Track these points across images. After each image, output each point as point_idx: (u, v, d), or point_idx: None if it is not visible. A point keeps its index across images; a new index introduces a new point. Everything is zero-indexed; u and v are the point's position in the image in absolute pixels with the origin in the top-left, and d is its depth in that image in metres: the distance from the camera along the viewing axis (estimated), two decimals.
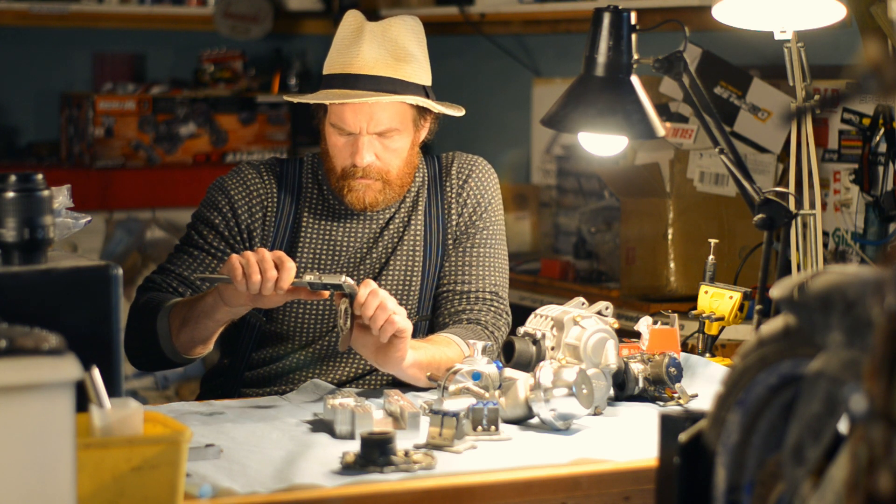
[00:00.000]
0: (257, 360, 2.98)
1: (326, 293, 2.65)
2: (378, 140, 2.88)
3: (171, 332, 2.79)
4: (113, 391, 2.10)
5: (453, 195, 3.05)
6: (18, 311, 2.06)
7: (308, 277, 2.62)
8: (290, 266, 2.61)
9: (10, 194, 2.19)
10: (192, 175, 5.40)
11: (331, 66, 2.92)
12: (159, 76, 5.81)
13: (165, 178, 5.38)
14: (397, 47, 2.90)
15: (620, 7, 2.95)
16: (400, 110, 2.89)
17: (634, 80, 2.96)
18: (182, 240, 3.00)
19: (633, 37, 2.95)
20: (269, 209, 2.97)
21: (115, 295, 2.18)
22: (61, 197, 2.35)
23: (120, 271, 2.19)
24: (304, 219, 2.98)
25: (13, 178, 2.19)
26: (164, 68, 5.85)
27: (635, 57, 2.95)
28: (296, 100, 2.96)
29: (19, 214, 2.18)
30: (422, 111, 2.94)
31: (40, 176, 2.22)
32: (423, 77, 2.93)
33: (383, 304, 2.61)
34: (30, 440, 1.80)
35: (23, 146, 5.63)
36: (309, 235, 2.98)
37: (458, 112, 2.99)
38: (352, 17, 2.93)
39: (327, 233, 2.98)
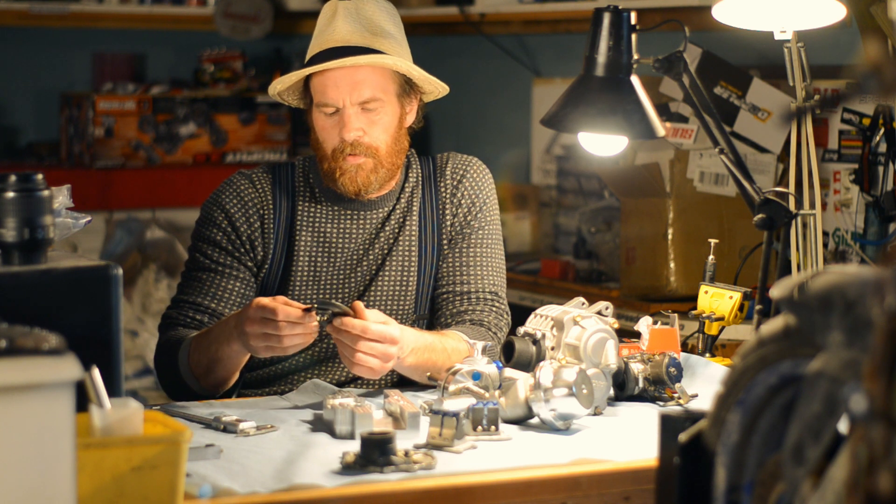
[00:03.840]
0: (258, 361, 2.98)
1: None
2: (363, 114, 2.88)
3: (197, 378, 2.82)
4: (113, 391, 2.10)
5: (447, 195, 3.05)
6: (18, 311, 2.06)
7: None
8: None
9: (10, 194, 2.19)
10: (192, 175, 5.40)
11: (310, 52, 2.94)
12: (159, 76, 5.81)
13: (165, 178, 5.38)
14: (372, 24, 2.91)
15: (620, 7, 2.95)
16: (381, 79, 2.89)
17: (634, 80, 2.96)
18: (188, 265, 2.99)
19: (633, 37, 2.95)
20: (266, 216, 2.97)
21: (115, 295, 2.18)
22: (61, 197, 2.35)
23: (120, 271, 2.19)
24: (299, 223, 2.98)
25: (13, 178, 2.19)
26: (164, 68, 5.85)
27: (635, 57, 2.95)
28: (277, 86, 2.94)
29: (19, 214, 2.18)
30: (405, 90, 2.94)
31: (40, 176, 2.22)
32: (403, 54, 2.92)
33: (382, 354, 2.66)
34: (30, 440, 1.80)
35: (23, 146, 5.64)
36: (304, 239, 2.97)
37: (442, 89, 2.99)
38: (328, 6, 2.94)
39: (322, 236, 2.98)
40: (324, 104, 2.89)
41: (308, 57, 2.94)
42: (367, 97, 2.87)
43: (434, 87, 2.99)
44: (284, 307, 2.62)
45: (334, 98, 2.87)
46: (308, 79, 2.93)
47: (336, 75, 2.87)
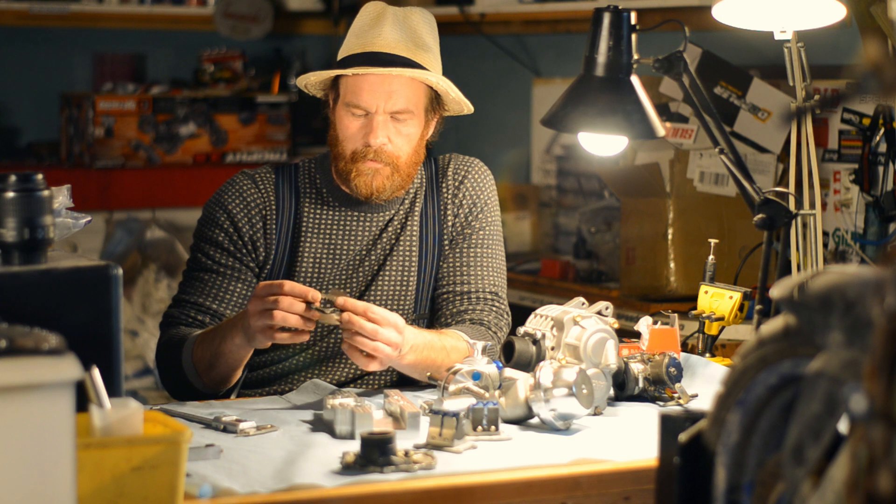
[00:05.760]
0: (258, 361, 2.98)
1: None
2: (392, 122, 2.88)
3: (200, 374, 2.82)
4: (113, 391, 2.10)
5: (449, 196, 3.05)
6: (18, 311, 2.06)
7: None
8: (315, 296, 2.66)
9: (10, 194, 2.19)
10: (192, 175, 5.40)
11: (349, 49, 2.92)
12: (159, 76, 5.81)
13: (165, 178, 5.38)
14: (416, 35, 2.91)
15: (620, 7, 2.95)
16: (416, 93, 2.90)
17: (634, 80, 2.96)
18: (189, 264, 2.99)
19: (633, 37, 2.95)
20: (269, 217, 2.97)
21: (115, 295, 2.18)
22: (61, 197, 2.35)
23: (120, 271, 2.19)
24: (304, 224, 2.98)
25: (13, 178, 2.19)
26: (164, 68, 5.85)
27: (635, 57, 2.95)
28: (311, 78, 2.95)
29: (19, 214, 2.18)
30: (433, 105, 2.95)
31: (40, 176, 2.22)
32: (438, 70, 2.94)
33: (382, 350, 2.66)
34: (30, 440, 1.80)
35: (23, 146, 5.64)
36: (309, 240, 2.97)
37: (468, 108, 3.00)
38: (373, 6, 2.94)
39: (327, 237, 2.98)
40: (354, 105, 2.88)
41: (345, 54, 2.93)
42: (399, 107, 2.88)
43: (459, 107, 3.00)
44: (290, 283, 2.64)
45: (367, 102, 2.87)
46: (339, 75, 2.93)
47: (374, 81, 2.86)
